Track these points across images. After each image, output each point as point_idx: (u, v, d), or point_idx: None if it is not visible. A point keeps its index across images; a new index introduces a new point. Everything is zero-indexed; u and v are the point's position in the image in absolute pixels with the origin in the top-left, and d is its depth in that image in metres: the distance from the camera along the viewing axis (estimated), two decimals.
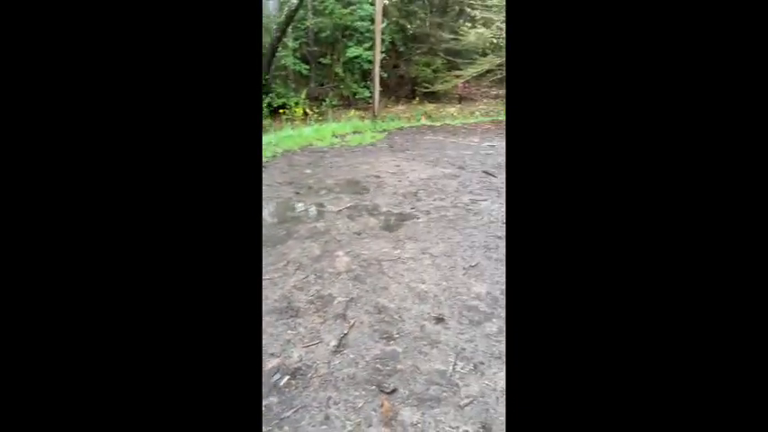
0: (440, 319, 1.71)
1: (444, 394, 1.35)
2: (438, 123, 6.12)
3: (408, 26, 8.74)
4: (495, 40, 7.46)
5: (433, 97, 8.60)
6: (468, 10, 7.36)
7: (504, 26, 6.95)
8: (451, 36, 7.67)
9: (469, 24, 7.76)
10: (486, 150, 4.38)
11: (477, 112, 7.76)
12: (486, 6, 6.84)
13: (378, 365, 1.47)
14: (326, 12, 7.52)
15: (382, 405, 1.31)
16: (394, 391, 1.36)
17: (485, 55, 7.17)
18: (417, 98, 8.60)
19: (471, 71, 6.77)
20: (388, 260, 2.18)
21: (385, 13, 7.96)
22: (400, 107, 8.47)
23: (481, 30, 7.09)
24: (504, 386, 1.38)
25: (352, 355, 1.52)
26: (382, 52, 7.63)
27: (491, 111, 7.91)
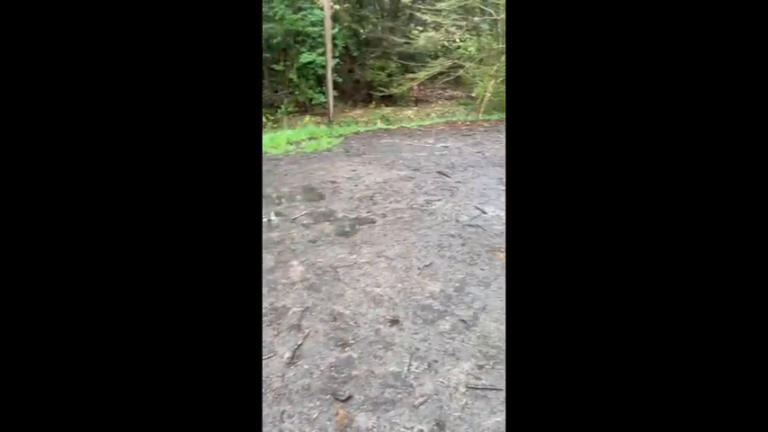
0: (395, 321, 1.73)
1: (399, 396, 1.36)
2: (395, 126, 6.19)
3: (361, 31, 8.78)
4: (446, 43, 7.66)
5: (389, 100, 8.69)
6: (419, 15, 7.51)
7: (453, 29, 7.15)
8: (403, 40, 7.79)
9: (420, 28, 7.92)
10: (441, 151, 4.48)
11: (434, 114, 7.92)
12: (436, 11, 7.01)
13: (333, 374, 1.46)
14: (277, 18, 7.41)
15: (337, 414, 1.30)
16: (349, 398, 1.36)
17: (436, 57, 7.33)
18: (374, 102, 8.65)
19: (423, 74, 6.91)
20: (344, 266, 2.17)
21: (336, 19, 7.95)
22: (357, 111, 8.49)
23: (431, 33, 7.26)
24: (458, 382, 1.41)
25: (306, 366, 1.50)
26: (336, 57, 7.62)
27: (446, 112, 8.10)
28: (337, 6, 8.08)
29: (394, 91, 7.75)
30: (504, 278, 2.03)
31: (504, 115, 6.51)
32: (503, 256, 2.24)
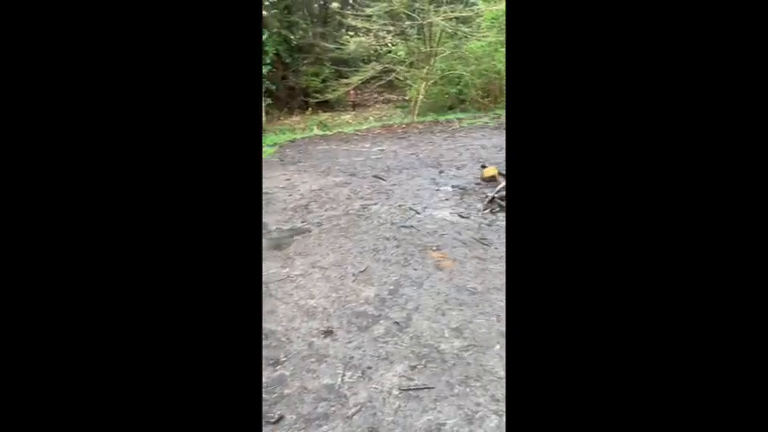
0: (328, 332, 1.70)
1: (332, 409, 1.34)
2: (332, 132, 6.15)
3: (292, 37, 8.63)
4: (377, 48, 7.76)
5: (327, 106, 8.63)
6: (348, 20, 7.55)
7: (382, 34, 7.27)
8: (335, 45, 7.78)
9: (352, 33, 7.97)
10: (377, 155, 4.52)
11: (371, 118, 7.99)
12: (366, 16, 7.09)
13: (263, 395, 1.40)
14: None
15: None
16: (280, 419, 1.31)
17: (368, 62, 7.41)
18: (311, 108, 8.54)
19: (356, 79, 6.95)
20: (276, 281, 2.10)
21: (265, 25, 7.74)
22: (294, 118, 8.33)
23: (361, 38, 7.33)
24: (391, 386, 1.42)
25: None
26: (268, 64, 7.40)
27: (383, 115, 8.21)
28: (265, 12, 7.87)
29: (329, 96, 7.71)
30: (435, 276, 2.08)
31: (437, 116, 6.73)
32: (434, 254, 2.30)
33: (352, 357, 1.56)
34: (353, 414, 1.31)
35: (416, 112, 6.86)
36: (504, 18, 6.82)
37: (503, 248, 2.33)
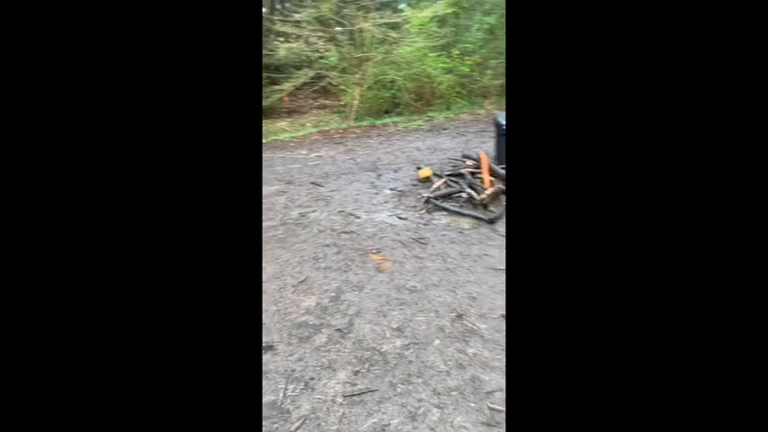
0: (268, 348, 1.65)
1: (275, 426, 1.29)
2: (266, 140, 5.97)
3: None
4: (309, 54, 7.68)
5: None
6: (277, 26, 7.38)
7: (312, 40, 7.21)
8: (265, 52, 7.57)
9: (282, 39, 7.79)
10: (314, 161, 4.47)
11: (308, 124, 7.88)
12: (295, 22, 6.98)
13: None
14: None
15: None
16: None
17: (300, 68, 7.31)
18: None
19: (289, 85, 6.83)
20: None
21: None
22: None
23: (292, 44, 7.21)
24: (335, 394, 1.40)
25: None
26: None
27: (320, 121, 8.14)
28: None
29: (262, 104, 7.47)
30: (376, 279, 2.11)
31: (374, 120, 6.82)
32: (374, 256, 2.33)
33: (293, 370, 1.52)
34: (297, 429, 1.28)
35: (353, 116, 6.89)
36: (430, 25, 7.12)
37: (439, 246, 2.42)
